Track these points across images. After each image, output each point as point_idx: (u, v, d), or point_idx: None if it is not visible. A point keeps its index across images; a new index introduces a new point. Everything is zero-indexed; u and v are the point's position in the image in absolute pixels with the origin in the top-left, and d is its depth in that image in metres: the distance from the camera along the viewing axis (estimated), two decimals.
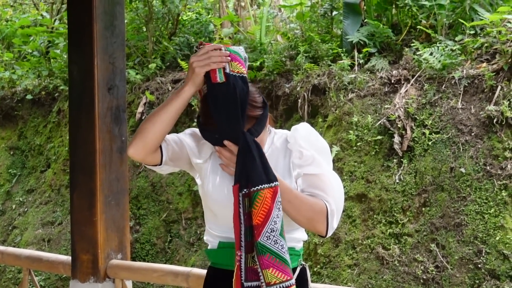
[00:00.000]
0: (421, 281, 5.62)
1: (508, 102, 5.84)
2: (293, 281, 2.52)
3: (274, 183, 2.52)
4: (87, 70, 4.05)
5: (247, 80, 2.61)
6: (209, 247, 2.83)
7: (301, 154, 2.67)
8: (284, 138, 2.79)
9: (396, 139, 6.24)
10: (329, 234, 2.69)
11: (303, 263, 2.80)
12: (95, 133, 4.04)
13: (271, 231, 2.51)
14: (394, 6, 7.67)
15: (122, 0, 4.21)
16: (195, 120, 8.03)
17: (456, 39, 6.78)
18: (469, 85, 6.24)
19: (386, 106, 6.53)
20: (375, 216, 6.09)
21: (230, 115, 2.52)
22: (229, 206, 2.63)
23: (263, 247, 2.50)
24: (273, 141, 2.79)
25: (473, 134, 5.94)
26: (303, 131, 2.72)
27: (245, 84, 2.58)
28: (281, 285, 2.49)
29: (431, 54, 6.55)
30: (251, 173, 2.52)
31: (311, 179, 2.67)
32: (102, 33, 4.05)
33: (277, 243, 2.51)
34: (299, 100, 7.31)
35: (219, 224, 2.73)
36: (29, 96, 10.48)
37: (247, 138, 2.52)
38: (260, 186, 2.51)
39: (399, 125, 6.28)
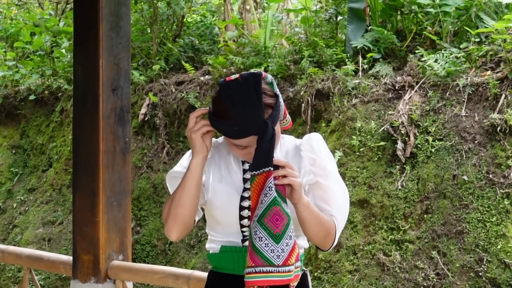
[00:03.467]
0: None
1: None
2: (255, 269, 2.48)
3: (269, 168, 2.51)
4: (92, 70, 4.05)
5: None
6: (210, 252, 2.82)
7: (314, 162, 2.67)
8: (294, 144, 2.79)
9: (399, 145, 6.24)
10: (331, 248, 2.73)
11: (304, 268, 2.79)
12: (99, 133, 4.03)
13: (255, 216, 2.51)
14: (399, 12, 7.66)
15: (128, 1, 4.20)
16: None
17: (461, 46, 6.78)
18: (473, 92, 6.24)
19: (389, 112, 6.53)
20: (376, 222, 6.08)
21: (249, 106, 2.51)
22: (231, 212, 2.64)
23: (249, 232, 2.52)
24: (281, 145, 2.79)
25: (476, 142, 5.94)
26: (318, 140, 2.73)
27: (256, 76, 2.59)
28: (246, 269, 2.50)
29: (435, 61, 6.55)
30: (255, 159, 2.54)
31: (321, 191, 2.67)
32: (108, 34, 4.04)
33: (254, 228, 2.50)
34: (303, 105, 7.31)
35: (223, 231, 2.73)
36: (32, 96, 10.48)
37: (269, 127, 2.52)
38: (256, 171, 2.52)
39: (402, 132, 6.28)
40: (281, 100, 2.70)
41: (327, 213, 2.65)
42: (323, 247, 2.71)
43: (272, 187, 2.50)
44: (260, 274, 2.48)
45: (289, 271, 2.50)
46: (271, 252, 2.48)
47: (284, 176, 2.51)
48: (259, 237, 2.49)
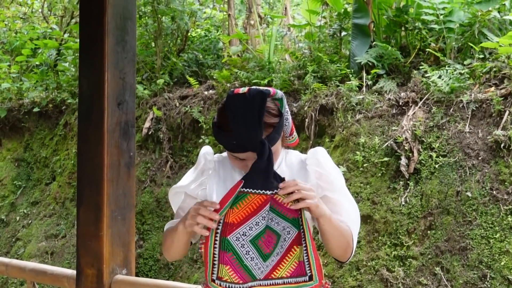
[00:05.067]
0: None
1: None
2: (242, 286, 2.54)
3: (270, 191, 2.53)
4: (97, 84, 4.04)
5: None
6: None
7: (320, 175, 2.69)
8: (299, 159, 2.80)
9: (403, 161, 6.24)
10: (349, 260, 2.74)
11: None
12: (104, 147, 4.02)
13: (242, 234, 2.53)
14: (403, 28, 7.69)
15: (134, 16, 4.21)
16: (202, 137, 8.06)
17: (465, 62, 6.79)
18: (477, 109, 6.25)
19: (393, 128, 6.53)
20: (380, 238, 6.07)
21: (250, 125, 2.53)
22: None
23: (229, 245, 2.54)
24: (286, 159, 2.80)
25: (480, 158, 5.93)
26: (323, 154, 2.74)
27: (263, 94, 2.59)
28: (228, 284, 2.54)
29: (439, 77, 6.56)
30: (249, 176, 2.55)
31: (330, 204, 2.68)
32: (113, 48, 4.04)
33: (243, 247, 2.53)
34: (307, 120, 7.32)
35: None
36: (36, 109, 10.49)
37: (266, 147, 2.54)
38: (251, 189, 2.53)
39: (406, 147, 6.28)
40: (288, 117, 2.72)
41: (344, 224, 2.67)
42: (343, 258, 2.72)
43: (268, 211, 2.54)
44: None
45: (273, 284, 2.57)
46: (258, 269, 2.56)
47: (301, 199, 2.50)
48: (251, 257, 2.55)
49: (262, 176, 2.53)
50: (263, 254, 2.54)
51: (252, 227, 2.53)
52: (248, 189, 2.53)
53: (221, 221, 2.55)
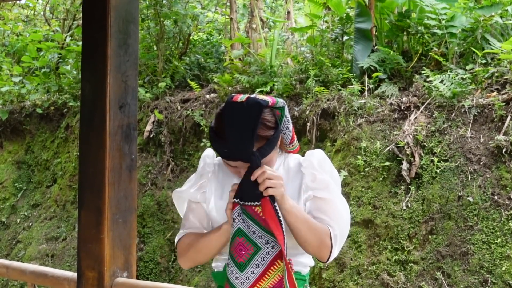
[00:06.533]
0: None
1: None
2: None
3: (237, 200, 2.63)
4: (99, 87, 4.04)
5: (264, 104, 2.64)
6: (215, 271, 2.83)
7: (314, 177, 2.69)
8: (297, 161, 2.82)
9: (404, 165, 6.23)
10: (330, 260, 2.71)
11: None
12: (105, 150, 4.01)
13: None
14: (405, 33, 7.68)
15: (136, 19, 4.21)
16: (203, 140, 8.06)
17: (467, 67, 6.79)
18: (478, 114, 6.24)
19: (395, 132, 6.53)
20: (381, 242, 6.07)
21: (243, 135, 2.54)
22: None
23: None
24: (284, 162, 2.81)
25: (481, 163, 5.93)
26: (319, 156, 2.75)
27: (260, 106, 2.60)
28: None
29: (441, 82, 6.56)
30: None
31: (320, 203, 2.69)
32: (116, 51, 4.04)
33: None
34: (308, 124, 7.31)
35: (226, 248, 2.74)
36: (39, 110, 10.47)
37: (256, 160, 2.55)
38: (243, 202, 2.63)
39: (407, 152, 6.27)
40: (289, 125, 2.73)
41: (324, 223, 2.66)
42: (320, 257, 2.70)
43: (235, 219, 2.61)
44: None
45: None
46: (236, 279, 2.60)
47: (269, 187, 2.56)
48: (227, 263, 2.65)
49: (247, 188, 2.59)
50: (237, 262, 2.59)
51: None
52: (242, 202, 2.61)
53: None
